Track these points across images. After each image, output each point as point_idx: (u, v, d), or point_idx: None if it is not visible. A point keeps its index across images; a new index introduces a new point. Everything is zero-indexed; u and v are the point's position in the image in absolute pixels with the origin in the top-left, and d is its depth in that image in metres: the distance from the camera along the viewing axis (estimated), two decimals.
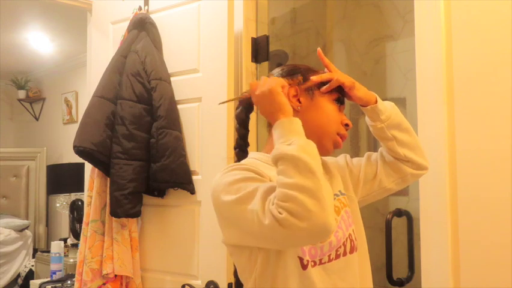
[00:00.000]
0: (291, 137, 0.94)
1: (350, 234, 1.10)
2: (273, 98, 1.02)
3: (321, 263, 1.02)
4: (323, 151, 1.11)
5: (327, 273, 1.03)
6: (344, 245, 1.07)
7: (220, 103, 1.19)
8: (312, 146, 0.93)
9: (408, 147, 1.19)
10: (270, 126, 1.15)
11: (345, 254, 1.07)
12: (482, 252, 1.37)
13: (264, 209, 0.88)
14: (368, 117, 1.18)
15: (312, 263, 1.01)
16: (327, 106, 1.12)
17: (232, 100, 1.16)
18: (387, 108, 1.17)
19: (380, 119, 1.15)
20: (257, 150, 1.77)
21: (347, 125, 1.14)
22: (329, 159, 1.24)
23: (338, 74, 1.12)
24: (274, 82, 1.04)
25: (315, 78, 1.11)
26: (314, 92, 1.12)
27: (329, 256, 1.04)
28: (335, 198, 1.12)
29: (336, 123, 1.12)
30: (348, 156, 1.28)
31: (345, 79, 1.11)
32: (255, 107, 1.20)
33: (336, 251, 1.05)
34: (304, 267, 1.00)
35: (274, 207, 0.85)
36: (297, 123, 0.98)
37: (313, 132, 1.08)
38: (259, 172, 0.99)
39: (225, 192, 0.96)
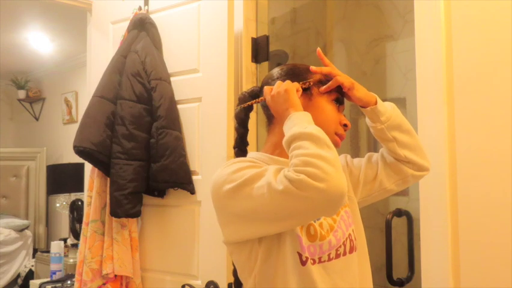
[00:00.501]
0: (305, 124, 0.98)
1: (349, 234, 1.10)
2: (287, 96, 1.05)
3: (320, 261, 1.02)
4: None
5: (327, 272, 1.03)
6: (344, 244, 1.07)
7: (237, 105, 1.20)
8: (325, 133, 0.96)
9: (409, 149, 1.19)
10: (270, 125, 1.15)
11: (345, 253, 1.07)
12: (482, 252, 1.37)
13: (276, 178, 0.89)
14: (368, 119, 1.18)
15: (312, 261, 1.01)
16: (325, 106, 1.12)
17: (250, 104, 1.17)
18: (387, 109, 1.17)
19: (380, 120, 1.15)
20: (257, 151, 1.77)
21: (345, 125, 1.14)
22: None
23: (337, 72, 1.12)
24: (290, 84, 1.07)
25: (314, 69, 1.12)
26: (313, 92, 1.12)
27: (329, 255, 1.04)
28: None
29: (334, 123, 1.12)
30: (348, 156, 1.28)
31: (345, 79, 1.11)
32: (254, 106, 1.20)
33: (336, 250, 1.05)
34: (303, 263, 1.00)
35: (290, 172, 0.87)
36: (310, 116, 1.02)
37: None
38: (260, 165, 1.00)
39: (228, 181, 0.96)
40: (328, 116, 1.12)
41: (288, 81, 1.09)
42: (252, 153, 1.15)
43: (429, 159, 1.22)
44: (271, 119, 1.14)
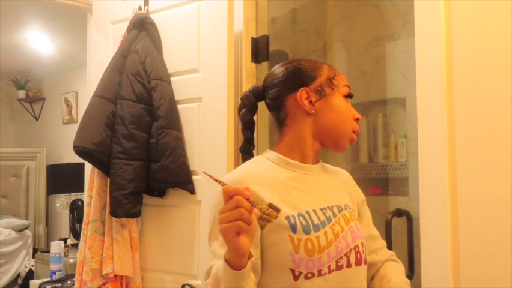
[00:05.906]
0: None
1: (356, 246, 1.07)
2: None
3: (320, 274, 1.00)
4: (340, 149, 1.13)
5: (329, 285, 1.01)
6: (347, 256, 1.04)
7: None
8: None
9: None
10: (282, 127, 1.14)
11: (349, 265, 1.05)
12: (482, 252, 1.37)
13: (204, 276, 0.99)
14: None
15: (310, 275, 0.99)
16: (340, 104, 1.10)
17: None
18: None
19: None
20: (256, 153, 1.77)
21: (357, 119, 1.13)
22: (338, 170, 1.24)
23: None
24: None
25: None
26: (325, 91, 1.10)
27: (329, 267, 1.01)
28: (344, 209, 1.11)
29: (350, 120, 1.11)
30: (364, 200, 1.25)
31: None
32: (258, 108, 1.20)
33: (337, 262, 1.03)
34: (295, 278, 0.99)
35: None
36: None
37: (329, 134, 1.10)
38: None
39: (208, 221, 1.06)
40: (345, 114, 1.10)
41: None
42: (266, 152, 1.14)
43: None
44: (283, 120, 1.13)
